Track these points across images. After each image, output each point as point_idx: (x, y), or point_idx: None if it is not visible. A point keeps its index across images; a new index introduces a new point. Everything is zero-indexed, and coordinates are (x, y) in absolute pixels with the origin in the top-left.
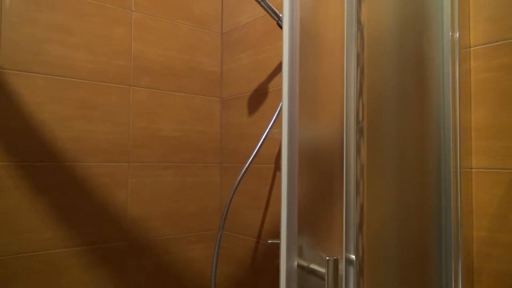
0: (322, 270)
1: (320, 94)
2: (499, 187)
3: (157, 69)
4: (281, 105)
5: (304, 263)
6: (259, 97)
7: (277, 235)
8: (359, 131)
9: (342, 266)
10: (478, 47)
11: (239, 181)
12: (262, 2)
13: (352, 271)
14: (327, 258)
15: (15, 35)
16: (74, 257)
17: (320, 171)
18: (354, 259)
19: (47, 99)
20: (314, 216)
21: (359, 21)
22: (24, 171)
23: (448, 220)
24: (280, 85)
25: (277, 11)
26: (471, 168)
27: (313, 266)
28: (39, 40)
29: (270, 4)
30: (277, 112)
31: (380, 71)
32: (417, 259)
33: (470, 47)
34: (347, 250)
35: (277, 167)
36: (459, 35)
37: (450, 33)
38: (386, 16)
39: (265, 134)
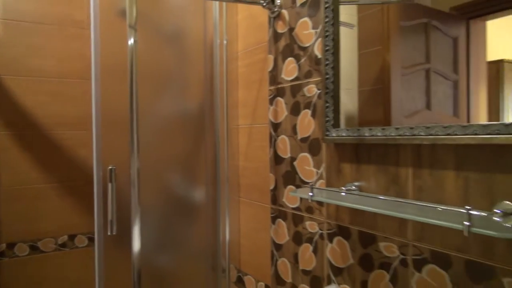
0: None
1: None
2: (246, 136)
3: None
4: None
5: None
6: None
7: None
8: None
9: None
10: (240, 52)
11: None
12: None
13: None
14: (109, 167)
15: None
16: None
17: None
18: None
19: None
20: None
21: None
22: None
23: (222, 155)
24: None
25: None
26: (238, 125)
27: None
28: None
29: None
30: None
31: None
32: (201, 177)
33: (238, 52)
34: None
35: None
36: (226, 42)
37: (219, 41)
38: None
39: None
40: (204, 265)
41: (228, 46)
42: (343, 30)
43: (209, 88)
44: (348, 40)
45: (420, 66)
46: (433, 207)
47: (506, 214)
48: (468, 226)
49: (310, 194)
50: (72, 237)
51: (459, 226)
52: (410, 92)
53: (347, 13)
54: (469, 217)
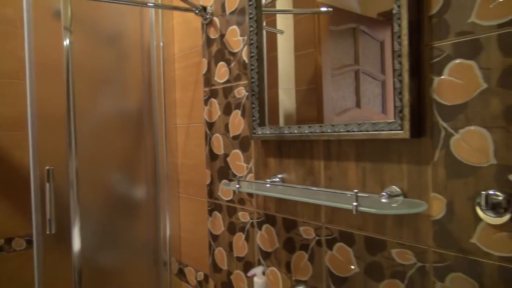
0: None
1: None
2: (184, 134)
3: None
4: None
5: None
6: None
7: None
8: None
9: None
10: (177, 55)
11: None
12: None
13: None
14: (47, 167)
15: None
16: None
17: None
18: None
19: None
20: None
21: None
22: None
23: (161, 154)
24: None
25: None
26: (176, 125)
27: None
28: None
29: None
30: None
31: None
32: (141, 175)
33: (175, 55)
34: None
35: None
36: (163, 45)
37: (155, 43)
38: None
39: None
40: (146, 259)
41: (165, 48)
42: (279, 33)
43: (148, 89)
44: (285, 42)
45: (350, 68)
46: (332, 192)
47: (391, 196)
48: (356, 206)
49: (237, 186)
50: (9, 241)
51: (349, 206)
52: (341, 91)
53: (283, 17)
54: (357, 198)
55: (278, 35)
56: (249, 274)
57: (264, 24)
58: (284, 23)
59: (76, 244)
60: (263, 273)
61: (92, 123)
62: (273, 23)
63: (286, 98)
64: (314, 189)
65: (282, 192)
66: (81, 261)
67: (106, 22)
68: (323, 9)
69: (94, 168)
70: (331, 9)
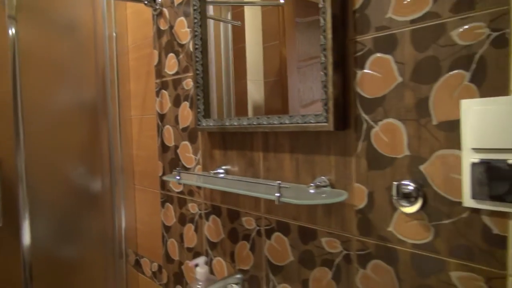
0: None
1: None
2: (138, 126)
3: None
4: None
5: None
6: None
7: None
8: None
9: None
10: (130, 45)
11: None
12: None
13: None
14: None
15: None
16: None
17: None
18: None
19: None
20: None
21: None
22: None
23: (115, 145)
24: None
25: None
26: (131, 116)
27: None
28: None
29: None
30: None
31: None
32: (97, 167)
33: (129, 45)
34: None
35: None
36: (116, 35)
37: (108, 33)
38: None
39: None
40: (103, 252)
41: (118, 39)
42: (248, 22)
43: (102, 80)
44: (254, 33)
45: (316, 60)
46: (263, 184)
47: (318, 186)
48: (278, 196)
49: (177, 177)
50: None
51: (272, 197)
52: (308, 83)
53: (252, 8)
54: (279, 189)
55: (246, 27)
56: (191, 264)
57: (229, 15)
58: (252, 14)
59: (26, 237)
60: (206, 263)
61: (43, 114)
62: (240, 15)
63: (254, 89)
64: (248, 180)
65: (213, 183)
66: (31, 256)
67: (56, 11)
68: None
69: (47, 159)
70: (283, 1)
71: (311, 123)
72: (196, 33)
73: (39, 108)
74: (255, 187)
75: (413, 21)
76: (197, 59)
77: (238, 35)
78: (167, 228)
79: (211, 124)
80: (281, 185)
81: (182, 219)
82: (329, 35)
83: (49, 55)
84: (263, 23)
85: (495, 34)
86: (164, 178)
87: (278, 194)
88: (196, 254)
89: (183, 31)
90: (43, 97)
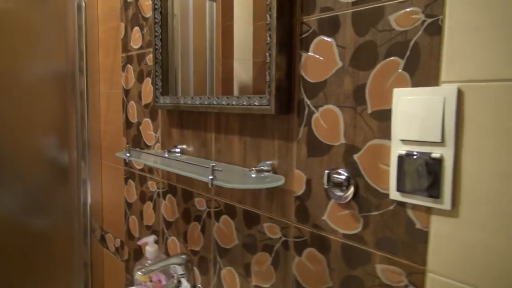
0: None
1: None
2: (106, 100)
3: None
4: None
5: None
6: None
7: None
8: None
9: None
10: (100, 17)
11: None
12: None
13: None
14: None
15: None
16: None
17: None
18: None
19: None
20: None
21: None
22: None
23: (83, 119)
24: None
25: None
26: (100, 91)
27: None
28: None
29: None
30: None
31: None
32: (64, 141)
33: (98, 17)
34: None
35: None
36: (85, 5)
37: (77, 3)
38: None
39: None
40: (70, 226)
41: (88, 9)
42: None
43: (71, 51)
44: (244, 11)
45: None
46: (200, 165)
47: (259, 171)
48: (211, 179)
49: (127, 155)
50: None
51: (205, 179)
52: None
53: None
54: (213, 172)
55: (235, 3)
56: (139, 242)
57: None
58: None
59: None
60: (155, 242)
61: (11, 84)
62: None
63: (241, 69)
64: (190, 161)
65: (153, 161)
66: None
67: None
68: None
69: (14, 131)
70: None
71: (255, 105)
72: (156, 6)
73: (7, 78)
74: (194, 168)
75: (354, 3)
76: (156, 34)
77: (226, 12)
78: (129, 205)
79: (167, 101)
80: (214, 168)
81: (142, 197)
82: (274, 13)
83: (19, 24)
84: (254, 1)
85: (429, 20)
86: (116, 154)
87: (211, 177)
88: (154, 232)
89: (147, 3)
90: (11, 67)
